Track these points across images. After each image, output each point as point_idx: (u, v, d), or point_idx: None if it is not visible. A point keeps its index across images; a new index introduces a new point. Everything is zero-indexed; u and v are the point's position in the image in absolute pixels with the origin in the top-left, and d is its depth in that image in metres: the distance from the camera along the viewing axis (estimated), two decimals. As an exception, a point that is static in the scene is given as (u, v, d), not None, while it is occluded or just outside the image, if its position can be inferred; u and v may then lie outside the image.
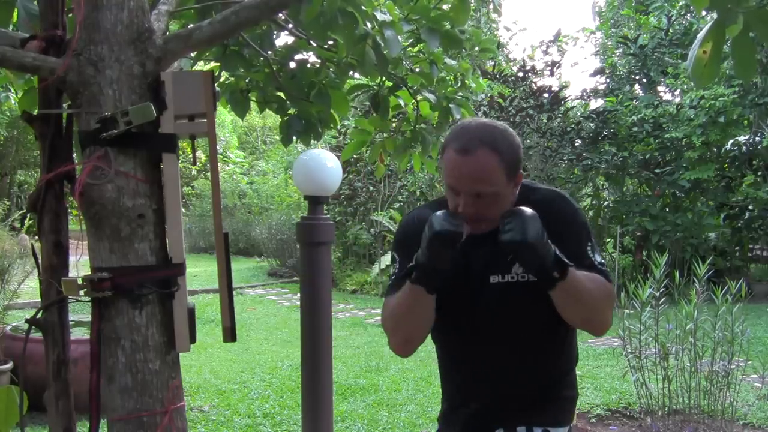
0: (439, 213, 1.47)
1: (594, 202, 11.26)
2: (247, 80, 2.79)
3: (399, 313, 1.59)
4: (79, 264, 1.70)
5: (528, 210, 1.44)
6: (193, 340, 1.57)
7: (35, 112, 1.63)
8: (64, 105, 1.62)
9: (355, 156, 11.02)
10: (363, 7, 2.26)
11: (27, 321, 1.62)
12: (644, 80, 11.30)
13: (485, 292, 1.60)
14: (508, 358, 1.65)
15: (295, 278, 11.06)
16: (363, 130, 3.14)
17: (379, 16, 2.29)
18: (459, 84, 2.96)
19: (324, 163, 3.07)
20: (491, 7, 13.58)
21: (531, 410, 1.66)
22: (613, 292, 1.57)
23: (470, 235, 1.52)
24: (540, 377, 1.67)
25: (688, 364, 3.93)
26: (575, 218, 1.60)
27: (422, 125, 3.03)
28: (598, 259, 1.57)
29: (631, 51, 11.04)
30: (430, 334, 1.72)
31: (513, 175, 1.52)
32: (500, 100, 10.08)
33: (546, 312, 1.53)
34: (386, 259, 9.85)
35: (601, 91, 11.40)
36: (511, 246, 1.41)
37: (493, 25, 14.62)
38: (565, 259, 1.45)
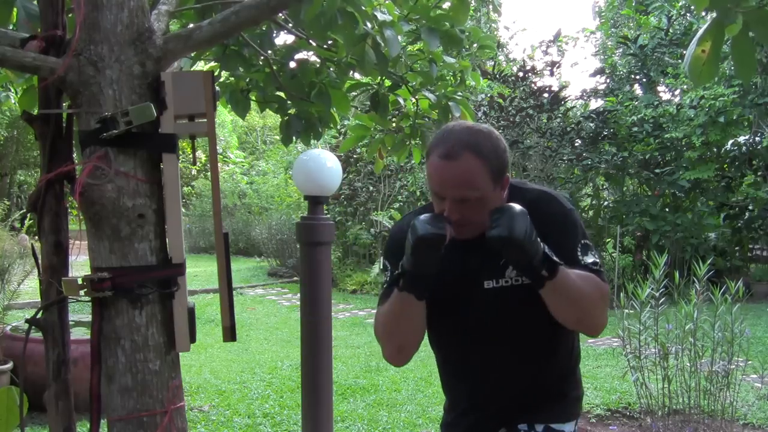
0: (422, 217, 1.46)
1: (594, 202, 11.25)
2: (247, 80, 2.79)
3: (390, 322, 1.58)
4: (78, 264, 1.69)
5: (517, 206, 1.43)
6: (193, 339, 1.57)
7: (35, 112, 1.63)
8: (64, 105, 1.62)
9: (355, 156, 11.03)
10: (363, 7, 2.26)
11: (27, 321, 1.62)
12: (644, 80, 11.30)
13: (481, 297, 1.59)
14: (506, 361, 1.65)
15: (295, 278, 11.05)
16: (362, 125, 3.14)
17: (379, 16, 2.29)
18: (458, 82, 2.96)
19: (324, 163, 3.07)
20: (491, 7, 13.59)
21: (532, 409, 1.66)
22: (607, 292, 1.56)
23: (463, 240, 1.53)
24: (540, 377, 1.67)
25: (688, 364, 3.93)
26: (566, 219, 1.57)
27: (421, 120, 3.03)
28: (590, 260, 1.54)
29: (631, 51, 11.04)
30: (429, 343, 1.72)
31: (499, 180, 1.50)
32: (500, 100, 10.07)
33: (542, 314, 1.52)
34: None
35: (601, 91, 11.40)
36: (498, 242, 1.39)
37: (493, 25, 14.63)
38: (555, 258, 1.44)
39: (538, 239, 1.42)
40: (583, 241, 1.56)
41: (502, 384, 1.67)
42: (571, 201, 1.66)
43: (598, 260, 1.56)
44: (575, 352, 1.73)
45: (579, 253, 1.54)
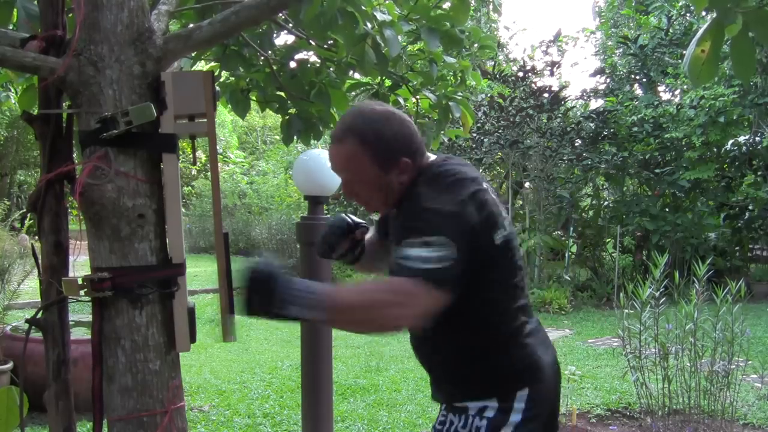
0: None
1: (594, 202, 11.26)
2: (247, 80, 2.79)
3: None
4: (78, 264, 1.69)
5: (254, 274, 1.34)
6: (193, 339, 1.57)
7: (35, 112, 1.63)
8: (64, 105, 1.62)
9: (355, 156, 11.03)
10: (363, 7, 2.26)
11: (27, 321, 1.62)
12: (644, 80, 11.30)
13: None
14: (414, 343, 1.71)
15: (295, 278, 11.03)
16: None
17: (379, 16, 2.29)
18: (459, 82, 2.96)
19: (324, 163, 3.07)
20: (491, 7, 13.59)
21: (441, 389, 1.70)
22: (396, 289, 1.38)
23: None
24: (445, 358, 1.66)
25: (688, 364, 3.93)
26: (422, 205, 1.48)
27: (422, 120, 3.03)
28: (414, 253, 1.38)
29: (631, 51, 11.04)
30: None
31: (386, 164, 1.54)
32: (500, 100, 10.07)
33: None
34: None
35: (601, 91, 11.40)
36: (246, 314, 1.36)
37: (493, 25, 14.63)
38: (305, 312, 1.34)
39: (283, 300, 1.33)
40: (426, 232, 1.41)
41: (423, 363, 1.72)
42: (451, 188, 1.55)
43: (423, 254, 1.38)
44: (489, 332, 1.61)
45: (407, 243, 1.41)
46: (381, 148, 1.53)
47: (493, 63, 11.45)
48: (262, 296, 1.33)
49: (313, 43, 2.62)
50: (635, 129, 10.19)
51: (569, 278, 9.79)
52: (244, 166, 18.38)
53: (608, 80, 11.47)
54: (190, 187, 16.86)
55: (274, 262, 1.38)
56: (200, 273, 11.08)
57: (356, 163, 1.54)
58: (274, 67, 2.66)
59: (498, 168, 10.70)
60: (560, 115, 10.36)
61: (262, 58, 2.65)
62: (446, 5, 2.61)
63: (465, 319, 1.58)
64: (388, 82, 2.91)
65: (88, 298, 1.50)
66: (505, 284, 1.61)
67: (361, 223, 1.87)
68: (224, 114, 17.57)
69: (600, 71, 11.88)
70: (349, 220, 1.86)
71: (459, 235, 1.43)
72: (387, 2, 2.40)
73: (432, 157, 1.67)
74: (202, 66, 2.95)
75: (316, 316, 1.35)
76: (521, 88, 10.22)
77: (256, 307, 1.33)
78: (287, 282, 1.34)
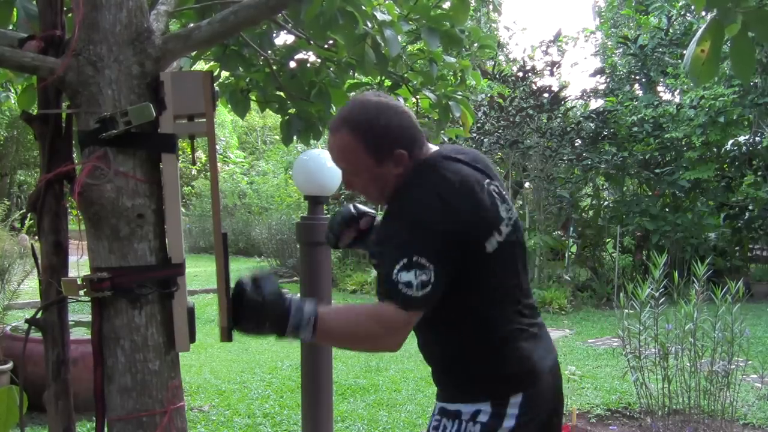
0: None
1: (594, 202, 11.25)
2: (247, 80, 2.79)
3: None
4: (79, 264, 1.70)
5: (252, 282, 1.52)
6: (192, 339, 1.57)
7: (35, 112, 1.63)
8: (63, 105, 1.62)
9: (355, 156, 11.03)
10: (363, 7, 2.26)
11: (27, 321, 1.62)
12: (644, 80, 11.30)
13: None
14: (418, 340, 1.71)
15: (295, 278, 11.05)
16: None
17: (379, 16, 2.29)
18: (459, 82, 2.96)
19: (324, 163, 3.07)
20: (491, 6, 13.60)
21: (438, 387, 1.70)
22: (385, 318, 1.45)
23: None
24: (437, 357, 1.68)
25: (688, 364, 3.93)
26: (408, 209, 1.51)
27: (422, 120, 3.03)
28: (401, 277, 1.42)
29: (631, 51, 11.04)
30: None
31: (379, 155, 1.53)
32: (500, 100, 10.06)
33: None
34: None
35: (601, 91, 11.39)
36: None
37: (493, 25, 14.64)
38: (304, 331, 1.46)
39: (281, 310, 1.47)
40: (406, 251, 1.43)
41: (425, 358, 1.72)
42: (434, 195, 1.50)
43: (407, 278, 1.42)
44: (481, 335, 1.58)
45: (388, 256, 1.47)
46: (373, 138, 1.53)
47: (493, 63, 11.45)
48: (253, 318, 1.47)
49: (313, 43, 2.62)
50: (635, 129, 10.19)
51: (569, 278, 9.78)
52: (244, 166, 18.39)
53: (608, 80, 11.47)
54: (190, 187, 16.87)
55: (266, 278, 1.52)
56: (200, 273, 11.08)
57: (350, 154, 1.55)
58: (274, 67, 2.66)
59: (498, 168, 10.69)
60: (560, 115, 10.35)
61: (262, 58, 2.65)
62: (446, 5, 2.61)
63: (457, 320, 1.58)
64: (388, 82, 2.91)
65: (87, 298, 1.50)
66: (498, 288, 1.57)
67: (368, 212, 1.87)
68: (224, 114, 17.57)
69: (600, 71, 11.88)
70: (353, 209, 1.87)
71: (443, 252, 1.46)
72: (387, 2, 2.40)
73: (433, 148, 1.63)
74: (201, 66, 2.95)
75: (305, 338, 1.46)
76: (521, 88, 10.21)
77: (246, 326, 1.48)
78: (276, 305, 1.47)
